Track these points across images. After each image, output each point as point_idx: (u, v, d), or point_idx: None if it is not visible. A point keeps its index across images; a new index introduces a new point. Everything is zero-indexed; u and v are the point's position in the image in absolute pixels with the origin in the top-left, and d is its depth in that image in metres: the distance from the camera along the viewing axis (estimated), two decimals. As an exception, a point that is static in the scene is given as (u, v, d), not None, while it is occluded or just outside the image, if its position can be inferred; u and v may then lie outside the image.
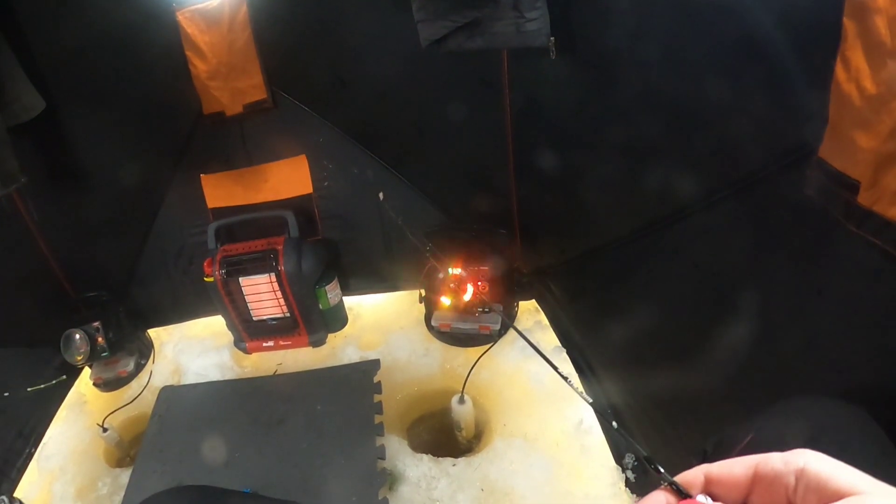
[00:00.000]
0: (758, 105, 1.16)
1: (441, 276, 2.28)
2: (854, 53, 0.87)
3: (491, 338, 2.30)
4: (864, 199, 0.91)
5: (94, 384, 2.56)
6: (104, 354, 2.49)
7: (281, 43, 2.23)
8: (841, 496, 0.40)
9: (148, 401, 2.41)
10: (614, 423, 0.67)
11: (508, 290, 2.37)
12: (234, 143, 2.47)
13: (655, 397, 1.68)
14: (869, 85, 0.84)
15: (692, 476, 0.47)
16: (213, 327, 2.72)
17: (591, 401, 0.74)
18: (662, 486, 0.48)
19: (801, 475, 0.42)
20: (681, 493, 0.47)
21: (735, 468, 0.46)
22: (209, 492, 1.05)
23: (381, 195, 2.03)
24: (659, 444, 1.65)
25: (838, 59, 0.89)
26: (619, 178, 1.68)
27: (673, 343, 1.58)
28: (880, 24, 0.81)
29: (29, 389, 2.28)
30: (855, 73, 0.87)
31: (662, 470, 0.49)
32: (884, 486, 0.40)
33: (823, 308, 1.08)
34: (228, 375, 2.48)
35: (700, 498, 0.46)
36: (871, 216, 0.90)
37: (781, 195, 1.14)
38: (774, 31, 1.06)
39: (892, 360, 0.97)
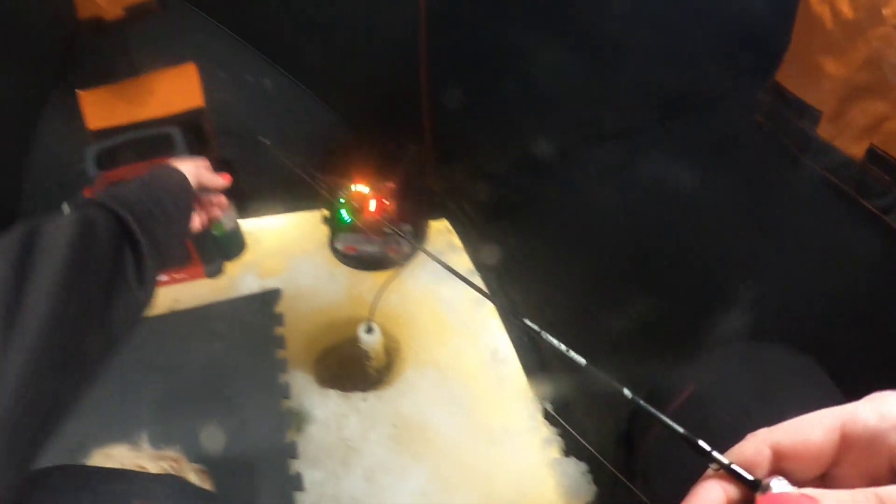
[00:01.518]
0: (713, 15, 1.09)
1: (344, 193, 2.16)
2: (832, -30, 0.80)
3: (400, 260, 2.22)
4: (824, 131, 0.86)
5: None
6: None
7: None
8: None
9: None
10: (627, 391, 0.54)
11: (418, 209, 2.28)
12: (116, 52, 2.22)
13: (577, 328, 1.66)
14: (846, 9, 0.77)
15: (752, 452, 0.35)
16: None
17: (584, 362, 0.60)
18: (713, 472, 0.36)
19: None
20: (745, 480, 0.35)
21: (811, 433, 0.34)
22: (84, 472, 0.93)
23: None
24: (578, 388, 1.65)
25: (810, -26, 0.82)
26: (544, 90, 1.59)
27: (598, 269, 1.55)
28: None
29: None
30: (831, -6, 0.80)
31: (715, 453, 0.37)
32: None
33: (767, 245, 1.05)
34: None
35: (777, 485, 0.33)
36: (831, 151, 0.86)
37: (732, 119, 1.08)
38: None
39: (834, 304, 0.95)
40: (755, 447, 0.35)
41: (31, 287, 0.65)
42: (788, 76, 0.89)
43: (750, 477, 0.34)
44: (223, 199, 1.21)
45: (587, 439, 1.63)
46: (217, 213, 1.20)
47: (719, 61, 1.07)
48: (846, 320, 0.92)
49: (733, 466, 0.35)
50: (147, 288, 0.87)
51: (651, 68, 1.24)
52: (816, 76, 0.84)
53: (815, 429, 0.34)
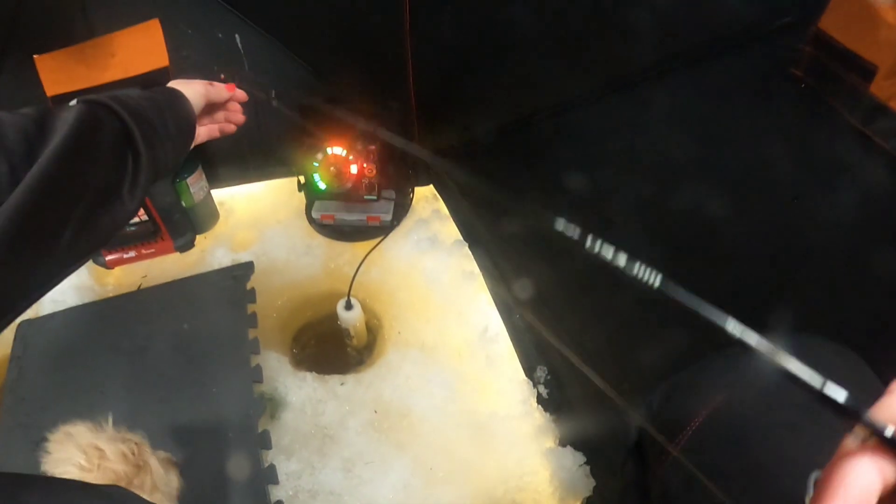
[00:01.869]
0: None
1: (320, 157, 2.03)
2: None
3: (381, 230, 2.10)
4: (878, 89, 0.73)
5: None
6: None
7: None
8: None
9: (5, 341, 2.02)
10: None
11: (402, 174, 2.16)
12: (73, 12, 2.04)
13: (566, 296, 1.55)
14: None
15: None
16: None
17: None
18: (858, 443, 0.27)
19: None
20: None
21: None
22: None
23: (272, 94, 1.73)
24: (571, 347, 1.53)
25: None
26: (539, 41, 1.46)
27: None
28: None
29: None
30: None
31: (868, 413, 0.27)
32: None
33: (806, 224, 0.93)
34: (89, 298, 2.13)
35: None
36: (885, 112, 0.73)
37: (763, 72, 0.95)
38: None
39: (876, 286, 0.84)
40: None
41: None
42: (835, 22, 0.76)
43: None
44: (238, 109, 1.23)
45: (585, 428, 1.54)
46: (231, 128, 1.23)
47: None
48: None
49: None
50: (136, 202, 0.86)
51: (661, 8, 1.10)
52: (872, 24, 0.71)
53: None
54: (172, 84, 1.09)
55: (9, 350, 1.98)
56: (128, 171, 0.84)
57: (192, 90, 1.07)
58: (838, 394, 0.26)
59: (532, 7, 1.41)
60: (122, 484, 1.20)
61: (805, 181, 0.89)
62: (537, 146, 1.66)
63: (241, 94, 1.22)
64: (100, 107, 0.83)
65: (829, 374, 0.64)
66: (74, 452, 1.20)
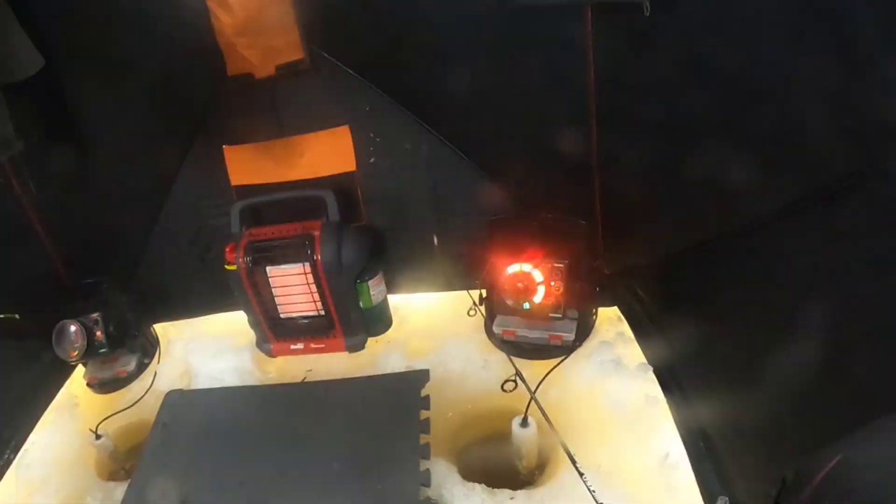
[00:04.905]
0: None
1: (507, 274, 2.30)
2: None
3: (563, 349, 2.31)
4: None
5: (88, 385, 2.65)
6: (102, 351, 2.55)
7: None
8: None
9: (150, 406, 2.48)
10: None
11: (587, 294, 2.37)
12: (265, 110, 2.51)
13: (753, 425, 1.67)
14: None
15: None
16: (232, 325, 2.79)
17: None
18: None
19: None
20: None
21: None
22: None
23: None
24: (755, 480, 1.64)
25: None
26: (723, 165, 1.67)
27: (778, 360, 1.57)
28: None
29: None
30: None
31: None
32: None
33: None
34: (248, 381, 2.54)
35: None
36: None
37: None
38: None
39: None
40: None
41: None
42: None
43: None
44: None
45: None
46: None
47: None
48: None
49: None
50: None
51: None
52: None
53: None
54: None
55: (151, 417, 2.39)
56: None
57: None
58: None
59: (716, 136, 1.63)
60: None
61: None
62: (723, 270, 1.84)
63: None
64: None
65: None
66: None
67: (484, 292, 2.40)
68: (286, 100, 2.50)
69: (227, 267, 2.45)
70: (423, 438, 2.09)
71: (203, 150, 2.63)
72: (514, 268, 2.27)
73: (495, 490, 1.96)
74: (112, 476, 2.37)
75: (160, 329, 2.87)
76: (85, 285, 2.63)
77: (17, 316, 2.30)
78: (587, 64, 1.88)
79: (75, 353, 2.50)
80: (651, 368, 2.19)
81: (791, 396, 1.53)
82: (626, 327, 2.39)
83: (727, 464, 1.79)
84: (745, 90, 1.53)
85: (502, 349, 2.40)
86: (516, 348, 2.38)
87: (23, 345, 2.56)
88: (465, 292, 2.56)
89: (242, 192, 2.64)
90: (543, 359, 2.32)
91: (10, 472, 2.34)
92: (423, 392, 2.26)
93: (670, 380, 2.12)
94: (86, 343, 2.49)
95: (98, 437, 2.33)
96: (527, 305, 2.31)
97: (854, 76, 1.24)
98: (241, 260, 2.41)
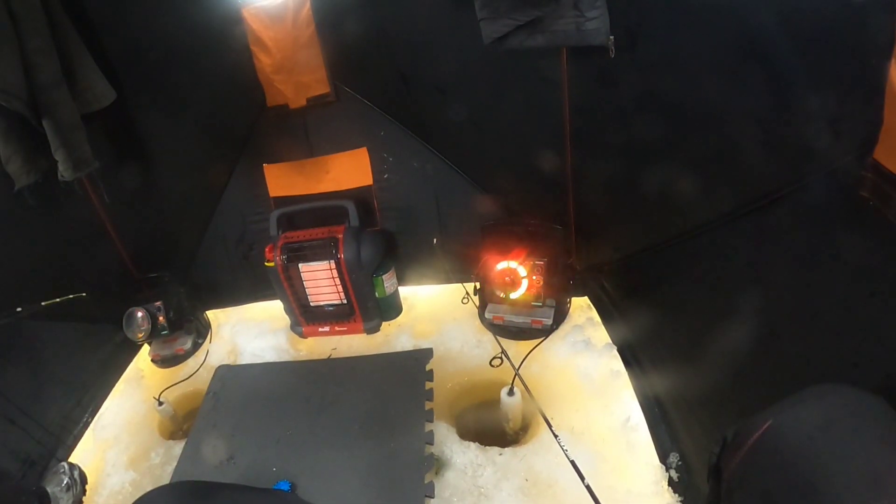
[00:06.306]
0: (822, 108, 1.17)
1: (497, 269, 2.32)
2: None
3: (543, 332, 2.33)
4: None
5: (152, 360, 2.69)
6: (164, 332, 2.61)
7: (344, 39, 2.29)
8: None
9: (203, 378, 2.52)
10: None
11: (563, 286, 2.39)
12: (297, 134, 2.56)
13: (698, 393, 1.69)
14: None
15: None
16: (270, 311, 2.83)
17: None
18: None
19: None
20: None
21: None
22: (201, 486, 1.10)
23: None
24: (701, 439, 1.65)
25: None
26: (673, 180, 1.69)
27: (718, 340, 1.58)
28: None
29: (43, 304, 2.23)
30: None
31: None
32: None
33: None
34: (284, 358, 2.57)
35: None
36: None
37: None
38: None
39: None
40: None
41: None
42: (885, 153, 0.95)
43: None
44: None
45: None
46: None
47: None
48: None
49: None
50: None
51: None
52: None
53: None
54: None
55: (204, 387, 2.44)
56: None
57: None
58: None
59: (671, 143, 1.65)
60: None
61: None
62: (675, 266, 1.86)
63: None
64: None
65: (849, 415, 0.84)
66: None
67: (478, 285, 2.41)
68: (315, 126, 2.54)
69: (266, 264, 2.48)
70: (428, 405, 2.12)
71: (246, 168, 2.66)
72: (502, 265, 2.29)
73: (487, 447, 1.98)
74: (172, 436, 2.41)
75: (211, 315, 2.90)
76: (149, 278, 2.68)
77: (84, 294, 2.31)
78: (562, 96, 1.90)
79: (141, 335, 2.56)
80: (615, 347, 2.21)
81: (730, 370, 1.55)
82: (594, 314, 2.41)
83: (677, 426, 1.81)
84: (690, 118, 1.55)
85: (492, 331, 2.40)
86: (504, 331, 2.39)
87: (96, 328, 2.59)
88: (460, 285, 2.57)
89: (279, 202, 2.68)
90: (526, 339, 2.34)
91: (89, 433, 2.39)
92: (428, 367, 2.29)
93: (630, 357, 2.14)
94: (150, 326, 2.55)
95: (160, 403, 2.37)
96: (513, 295, 2.33)
97: (780, 107, 1.26)
98: (278, 258, 2.44)
